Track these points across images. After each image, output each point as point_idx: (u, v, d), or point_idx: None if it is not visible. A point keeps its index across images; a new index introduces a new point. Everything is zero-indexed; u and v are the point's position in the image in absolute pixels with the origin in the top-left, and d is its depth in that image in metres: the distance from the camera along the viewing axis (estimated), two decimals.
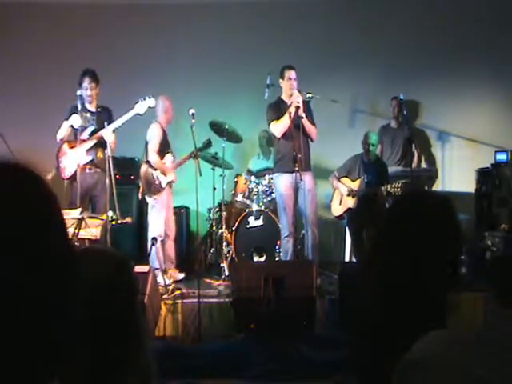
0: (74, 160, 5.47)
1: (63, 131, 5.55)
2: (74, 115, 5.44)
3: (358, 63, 7.16)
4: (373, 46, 7.18)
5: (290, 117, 5.45)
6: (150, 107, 5.62)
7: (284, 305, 4.70)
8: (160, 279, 5.21)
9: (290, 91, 5.56)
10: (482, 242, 5.92)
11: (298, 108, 5.43)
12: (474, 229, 6.51)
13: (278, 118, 5.59)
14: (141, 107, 5.57)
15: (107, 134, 5.38)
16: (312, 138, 5.68)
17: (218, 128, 6.31)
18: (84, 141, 5.50)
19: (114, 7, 7.24)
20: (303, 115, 5.48)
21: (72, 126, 5.54)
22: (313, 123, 5.69)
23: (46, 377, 0.77)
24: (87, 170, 5.55)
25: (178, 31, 7.25)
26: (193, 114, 5.49)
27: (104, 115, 5.61)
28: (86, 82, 5.55)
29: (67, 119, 5.53)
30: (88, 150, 5.52)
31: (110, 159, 5.24)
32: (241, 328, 4.80)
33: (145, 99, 5.59)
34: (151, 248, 5.28)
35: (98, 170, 5.56)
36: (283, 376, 4.14)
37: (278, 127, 5.59)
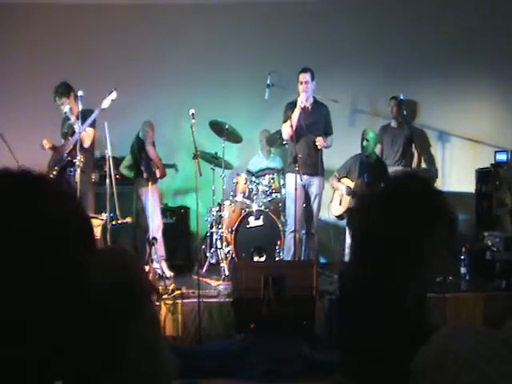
0: (57, 162, 5.49)
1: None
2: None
3: (358, 63, 7.16)
4: (373, 46, 7.18)
5: (292, 122, 5.58)
6: (112, 100, 5.54)
7: (284, 305, 4.70)
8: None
9: (301, 94, 5.66)
10: (481, 241, 5.92)
11: (303, 108, 5.60)
12: (474, 229, 6.51)
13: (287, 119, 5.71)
14: (106, 102, 5.52)
15: (83, 134, 5.36)
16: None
17: (218, 128, 6.31)
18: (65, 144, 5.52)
19: (113, 7, 7.23)
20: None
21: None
22: (327, 131, 5.85)
23: (51, 376, 0.77)
24: (68, 172, 5.48)
25: (179, 31, 7.24)
26: (193, 114, 5.48)
27: (87, 117, 5.50)
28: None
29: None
30: (69, 153, 5.46)
31: (111, 159, 5.24)
32: (241, 328, 4.80)
33: (109, 94, 5.53)
34: (151, 248, 5.28)
35: (78, 171, 5.52)
36: (283, 376, 4.14)
37: (283, 130, 5.79)
